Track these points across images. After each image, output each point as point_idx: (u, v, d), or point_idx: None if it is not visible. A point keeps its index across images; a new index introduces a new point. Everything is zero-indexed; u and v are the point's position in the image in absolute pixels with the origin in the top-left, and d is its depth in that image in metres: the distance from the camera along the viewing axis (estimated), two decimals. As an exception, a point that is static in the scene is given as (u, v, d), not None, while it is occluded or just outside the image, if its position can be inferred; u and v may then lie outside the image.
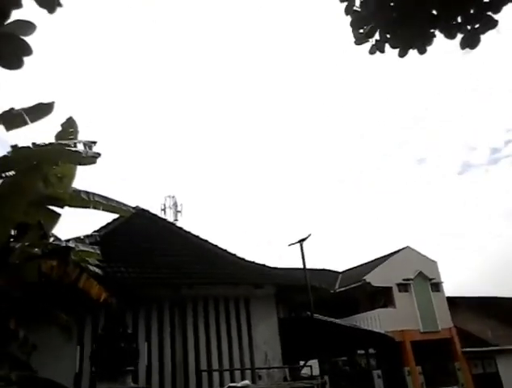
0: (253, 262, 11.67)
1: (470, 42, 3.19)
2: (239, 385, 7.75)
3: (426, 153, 78.97)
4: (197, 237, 12.41)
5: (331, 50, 68.33)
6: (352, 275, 28.29)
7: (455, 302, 34.96)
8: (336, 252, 64.21)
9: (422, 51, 3.34)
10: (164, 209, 41.30)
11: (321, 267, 31.89)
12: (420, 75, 69.83)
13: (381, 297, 26.65)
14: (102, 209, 7.98)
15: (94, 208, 7.89)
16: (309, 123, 70.28)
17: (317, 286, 11.49)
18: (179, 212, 40.52)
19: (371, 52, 3.38)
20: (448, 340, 26.36)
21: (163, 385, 9.21)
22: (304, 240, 10.74)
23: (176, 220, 40.53)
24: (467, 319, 33.52)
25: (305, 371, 21.14)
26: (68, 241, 7.62)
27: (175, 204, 41.50)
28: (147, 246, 11.11)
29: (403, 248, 28.55)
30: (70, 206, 7.63)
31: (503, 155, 78.41)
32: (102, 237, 11.04)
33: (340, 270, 31.77)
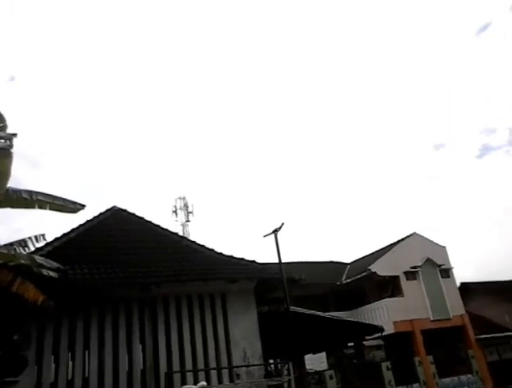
0: (230, 256, 11.11)
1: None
2: (195, 386, 7.21)
3: (444, 138, 77.20)
4: (174, 234, 11.94)
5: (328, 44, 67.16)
6: (359, 266, 27.42)
7: (469, 288, 33.67)
8: (346, 244, 63.22)
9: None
10: (175, 211, 41.19)
11: (328, 260, 31.16)
12: (432, 60, 68.06)
13: (389, 287, 25.72)
14: (49, 208, 7.56)
15: (40, 207, 7.45)
16: (309, 113, 69.31)
17: (297, 278, 10.83)
18: (191, 213, 40.25)
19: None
20: (461, 328, 25.25)
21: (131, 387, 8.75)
22: (277, 230, 10.11)
23: (188, 220, 40.24)
24: (484, 305, 32.22)
25: (311, 366, 20.52)
26: (11, 244, 7.22)
27: (186, 206, 41.30)
28: (120, 245, 10.64)
29: (410, 235, 27.49)
30: (10, 207, 7.23)
31: None
32: (73, 238, 10.69)
33: (348, 262, 30.95)
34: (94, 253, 10.04)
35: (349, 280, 26.07)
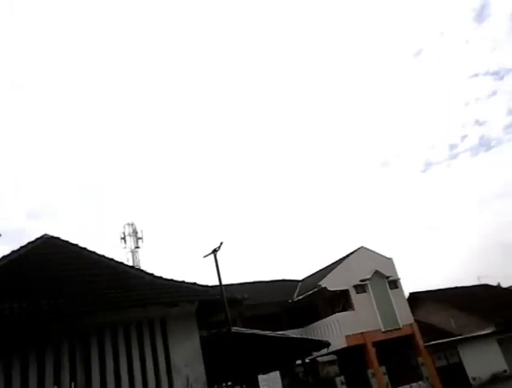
0: (171, 280, 10.62)
1: None
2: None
3: (389, 155, 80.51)
4: (111, 259, 11.27)
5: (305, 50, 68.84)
6: (310, 282, 27.47)
7: (418, 297, 34.67)
8: (298, 262, 63.76)
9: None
10: (124, 237, 39.75)
11: (280, 278, 31.03)
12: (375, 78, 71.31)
13: (340, 301, 25.87)
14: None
15: None
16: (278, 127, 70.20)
17: (239, 298, 10.50)
18: (140, 238, 38.94)
19: None
20: (410, 336, 25.73)
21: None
22: (216, 250, 9.80)
23: (137, 247, 38.93)
24: (431, 312, 33.22)
25: (266, 387, 20.01)
26: None
27: (135, 232, 39.93)
28: (49, 275, 9.88)
29: (357, 249, 27.95)
30: None
31: (461, 150, 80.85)
32: (-4, 270, 9.83)
33: (300, 279, 30.97)
34: (17, 286, 9.23)
35: (300, 297, 26.01)
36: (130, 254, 36.76)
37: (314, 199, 77.15)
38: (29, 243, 11.14)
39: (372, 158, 77.76)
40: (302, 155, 74.49)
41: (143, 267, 36.61)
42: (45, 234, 11.75)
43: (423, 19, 68.49)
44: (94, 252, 11.40)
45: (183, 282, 10.69)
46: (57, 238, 11.69)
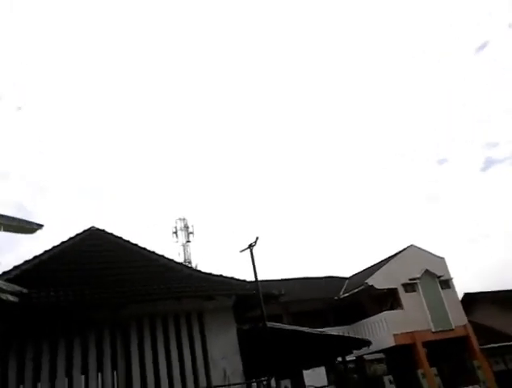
0: (209, 273, 10.71)
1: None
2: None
3: (448, 153, 76.94)
4: (152, 252, 11.53)
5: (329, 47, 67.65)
6: (357, 280, 26.82)
7: (474, 298, 32.77)
8: (347, 259, 62.39)
9: None
10: (175, 232, 40.84)
11: (327, 275, 30.55)
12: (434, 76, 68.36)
13: (387, 300, 25.05)
14: (4, 230, 7.25)
15: (-6, 230, 7.16)
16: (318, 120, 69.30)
17: (276, 294, 10.36)
18: (191, 233, 39.84)
19: None
20: (464, 338, 24.39)
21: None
22: (253, 245, 9.72)
23: (188, 241, 39.87)
24: (489, 315, 31.26)
25: (311, 382, 19.75)
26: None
27: (186, 226, 40.90)
28: (94, 267, 10.25)
29: (407, 247, 26.95)
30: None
31: None
32: (44, 261, 10.33)
33: (347, 276, 30.34)
34: (66, 275, 9.65)
35: (347, 295, 25.45)
36: (181, 248, 37.73)
37: (366, 195, 75.19)
38: (77, 235, 11.65)
39: (429, 155, 74.61)
40: (354, 148, 72.83)
41: (194, 261, 37.39)
42: (92, 226, 12.24)
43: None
44: (136, 245, 11.71)
45: (221, 276, 10.72)
46: (103, 231, 12.13)
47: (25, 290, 7.94)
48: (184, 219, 39.29)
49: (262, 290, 10.15)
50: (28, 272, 9.36)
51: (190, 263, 36.64)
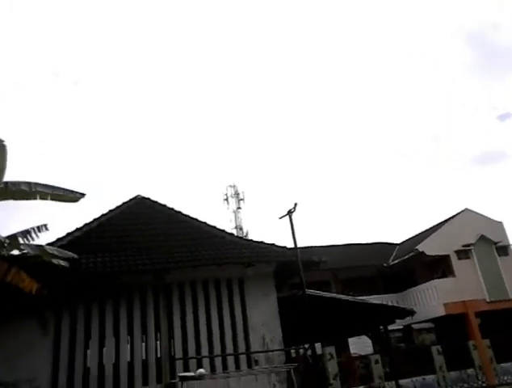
0: (250, 240, 10.75)
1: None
2: (193, 374, 6.92)
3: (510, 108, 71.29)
4: (195, 219, 11.69)
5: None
6: (408, 246, 25.95)
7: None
8: (401, 225, 60.54)
9: None
10: (226, 199, 41.47)
11: (376, 241, 29.91)
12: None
13: (439, 267, 24.16)
14: (50, 199, 7.54)
15: (41, 198, 7.46)
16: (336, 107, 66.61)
17: (316, 260, 10.18)
18: (242, 200, 40.32)
19: None
20: (523, 309, 23.25)
21: (147, 375, 8.65)
22: (292, 211, 9.54)
23: (239, 208, 40.40)
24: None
25: (356, 350, 19.77)
26: (14, 236, 7.27)
27: (237, 193, 41.37)
28: (139, 234, 10.55)
29: (461, 211, 25.55)
30: (11, 199, 7.28)
31: None
32: (94, 228, 10.78)
33: (398, 242, 29.50)
34: (113, 242, 10.04)
35: (396, 261, 24.80)
36: (232, 214, 38.35)
37: (420, 158, 71.95)
38: (123, 203, 12.01)
39: (489, 112, 69.51)
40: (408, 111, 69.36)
41: (245, 228, 37.83)
42: (138, 195, 12.56)
43: None
44: (180, 212, 11.91)
45: (262, 243, 10.70)
46: (148, 199, 12.41)
47: (75, 256, 8.33)
48: (234, 186, 39.67)
49: (302, 257, 10.04)
50: (80, 239, 9.82)
51: (241, 229, 37.23)
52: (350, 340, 19.37)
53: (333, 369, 18.77)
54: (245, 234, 34.42)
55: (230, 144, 69.32)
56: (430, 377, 19.81)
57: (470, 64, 64.65)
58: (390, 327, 19.94)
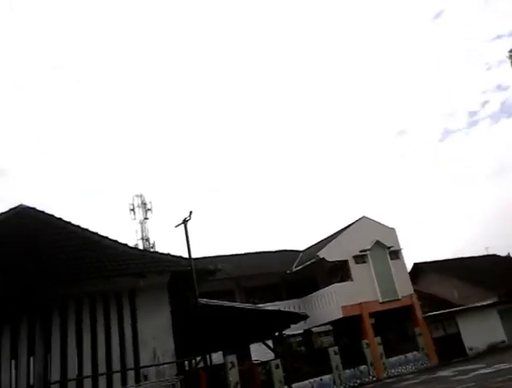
0: (144, 250, 10.38)
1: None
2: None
3: (406, 124, 78.22)
4: (85, 230, 10.98)
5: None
6: (311, 253, 27.10)
7: (421, 268, 34.07)
8: (304, 233, 63.51)
9: None
10: (133, 209, 39.66)
11: (281, 249, 30.75)
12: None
13: (338, 272, 25.55)
14: None
15: None
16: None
17: (212, 269, 10.12)
18: (149, 210, 38.81)
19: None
20: (409, 307, 25.40)
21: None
22: (187, 220, 9.40)
23: (146, 218, 38.85)
24: (435, 283, 32.65)
25: (258, 357, 20.00)
26: None
27: (144, 203, 39.77)
28: (16, 247, 9.65)
29: (359, 219, 27.33)
30: None
31: (481, 117, 78.11)
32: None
33: (301, 249, 30.63)
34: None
35: (299, 268, 25.71)
36: (139, 225, 36.84)
37: (323, 168, 76.03)
38: (2, 214, 10.91)
39: (388, 127, 75.80)
40: (309, 119, 72.98)
41: (151, 238, 36.50)
42: (21, 204, 11.50)
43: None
44: (69, 222, 11.12)
45: (156, 253, 10.41)
46: (33, 209, 11.43)
47: None
48: (141, 196, 38.24)
49: (198, 266, 9.91)
50: None
51: (147, 240, 35.87)
52: (252, 347, 19.56)
53: (234, 377, 18.89)
54: (151, 246, 33.28)
55: (135, 154, 67.26)
56: (326, 377, 20.81)
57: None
58: (291, 332, 20.59)
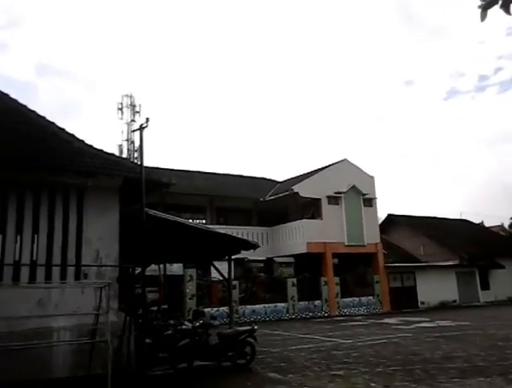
0: (100, 150, 9.91)
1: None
2: None
3: (414, 75, 75.83)
4: (42, 117, 10.45)
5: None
6: (287, 185, 27.13)
7: (394, 220, 34.73)
8: (287, 167, 63.58)
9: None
10: (121, 108, 38.55)
11: (260, 176, 30.66)
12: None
13: (310, 209, 25.80)
14: None
15: None
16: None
17: (165, 182, 9.80)
18: (137, 112, 37.71)
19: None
20: (373, 255, 26.13)
21: None
22: (144, 127, 8.89)
23: (133, 120, 37.86)
24: (405, 237, 33.49)
25: (215, 275, 20.56)
26: None
27: (133, 104, 38.56)
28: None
29: (340, 161, 27.16)
30: None
31: (491, 83, 76.09)
32: None
33: (279, 180, 30.61)
34: None
35: (273, 198, 25.87)
36: (125, 126, 35.98)
37: (323, 108, 74.38)
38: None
39: (397, 75, 73.40)
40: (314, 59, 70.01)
41: (137, 142, 36.06)
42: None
43: None
44: (24, 106, 10.54)
45: (112, 155, 10.03)
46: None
47: None
48: (131, 96, 37.06)
49: (152, 177, 9.61)
50: None
51: (132, 142, 35.22)
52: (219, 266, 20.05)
53: (191, 290, 19.54)
54: (135, 149, 32.75)
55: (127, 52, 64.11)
56: (281, 305, 21.75)
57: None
58: (253, 257, 21.06)
